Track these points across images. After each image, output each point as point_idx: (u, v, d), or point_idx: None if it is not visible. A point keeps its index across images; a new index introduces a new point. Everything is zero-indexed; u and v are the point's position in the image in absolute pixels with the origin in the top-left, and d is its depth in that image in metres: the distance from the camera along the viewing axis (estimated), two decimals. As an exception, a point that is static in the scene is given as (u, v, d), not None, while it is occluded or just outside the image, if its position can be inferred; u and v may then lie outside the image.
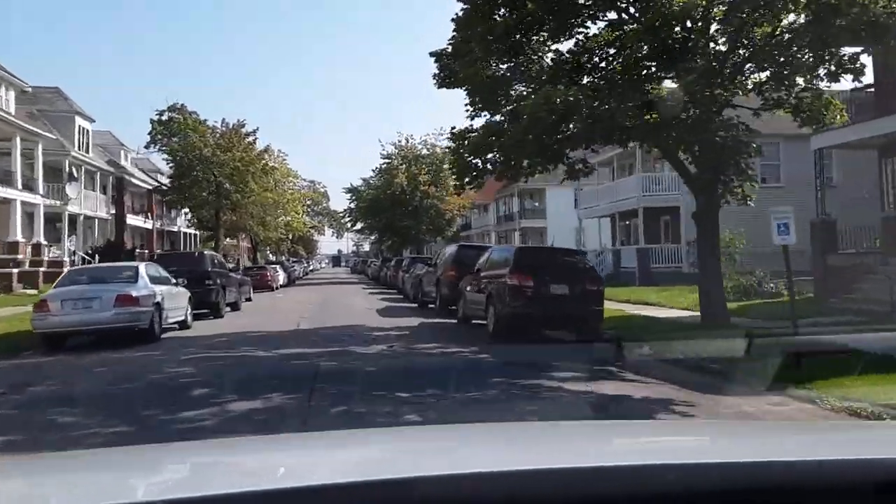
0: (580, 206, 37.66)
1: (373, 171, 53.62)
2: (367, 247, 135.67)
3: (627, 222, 34.67)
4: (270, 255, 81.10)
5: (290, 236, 78.44)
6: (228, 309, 21.74)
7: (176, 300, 15.03)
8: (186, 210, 45.79)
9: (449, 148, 18.29)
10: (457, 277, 17.72)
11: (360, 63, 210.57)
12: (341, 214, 69.27)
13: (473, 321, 15.49)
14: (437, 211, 50.67)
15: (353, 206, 67.84)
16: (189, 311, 15.99)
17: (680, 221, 30.15)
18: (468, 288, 15.72)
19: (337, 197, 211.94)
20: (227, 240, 73.78)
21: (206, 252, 19.12)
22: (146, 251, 52.38)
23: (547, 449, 1.79)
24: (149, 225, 53.24)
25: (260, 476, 1.59)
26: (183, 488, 1.45)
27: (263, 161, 40.80)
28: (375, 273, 51.90)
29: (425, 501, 1.22)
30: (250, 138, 40.47)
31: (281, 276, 44.98)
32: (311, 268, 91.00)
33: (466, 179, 15.28)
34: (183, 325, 15.59)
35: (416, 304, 23.55)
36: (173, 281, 15.30)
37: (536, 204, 48.80)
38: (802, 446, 1.70)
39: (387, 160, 52.10)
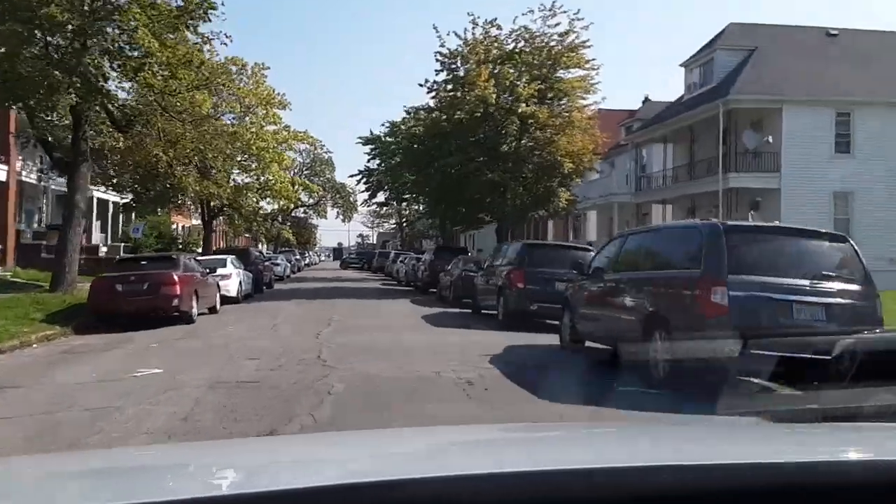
0: None
1: (421, 88, 28.08)
2: (373, 238, 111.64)
3: None
4: (261, 246, 56.24)
5: (277, 210, 53.74)
6: None
7: None
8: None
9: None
10: None
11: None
12: (358, 178, 44.13)
13: None
14: (552, 158, 25.88)
15: (374, 164, 43.11)
16: None
17: None
18: None
19: (344, 163, 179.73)
20: (191, 220, 49.29)
21: None
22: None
23: (545, 450, 1.80)
24: (2, 175, 28.51)
25: (259, 478, 1.55)
26: (181, 490, 1.40)
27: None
28: (417, 276, 27.46)
29: (426, 503, 1.20)
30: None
31: (234, 281, 20.47)
32: (308, 261, 66.08)
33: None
34: None
35: None
36: None
37: (769, 140, 23.66)
38: (803, 447, 1.70)
39: (450, 61, 26.97)
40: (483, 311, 16.64)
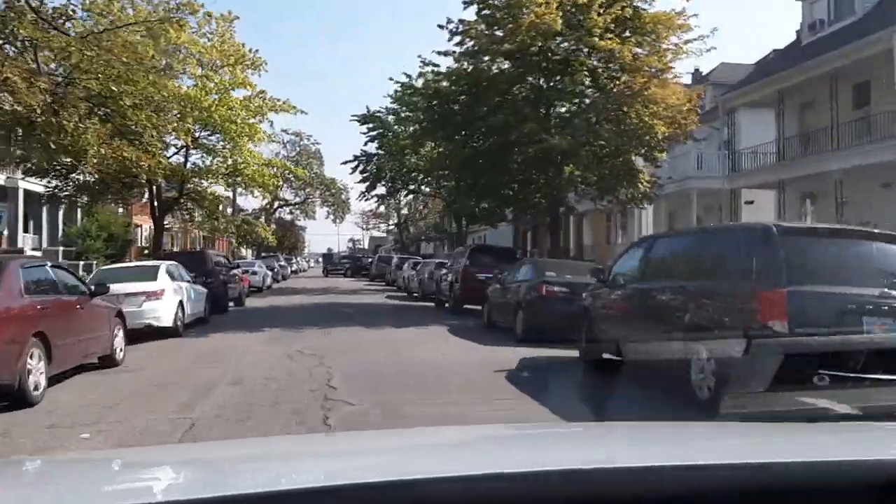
0: None
1: (442, 30, 20.03)
2: (366, 243, 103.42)
3: None
4: (245, 251, 48.02)
5: (259, 210, 45.98)
6: None
7: None
8: None
9: None
10: None
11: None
12: (354, 165, 35.98)
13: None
14: (639, 119, 18.07)
15: (373, 147, 35.32)
16: None
17: None
18: None
19: (334, 153, 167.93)
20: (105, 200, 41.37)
21: None
22: None
23: (547, 450, 1.78)
24: None
25: (261, 477, 1.51)
26: (181, 491, 1.38)
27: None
28: (440, 287, 20.12)
29: (426, 502, 1.19)
30: None
31: (167, 303, 12.68)
32: (295, 268, 57.93)
33: None
34: None
35: None
36: None
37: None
38: (803, 447, 1.68)
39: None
40: (606, 357, 8.84)
